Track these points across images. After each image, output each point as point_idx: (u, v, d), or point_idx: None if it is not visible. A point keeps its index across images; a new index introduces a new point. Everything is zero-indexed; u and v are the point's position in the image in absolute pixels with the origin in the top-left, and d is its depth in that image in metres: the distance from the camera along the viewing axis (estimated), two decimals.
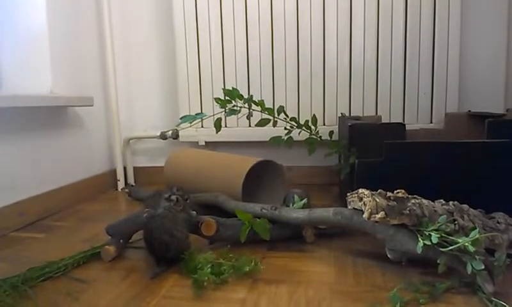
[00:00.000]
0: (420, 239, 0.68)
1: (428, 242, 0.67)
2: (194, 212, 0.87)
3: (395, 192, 0.76)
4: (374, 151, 0.95)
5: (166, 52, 1.61)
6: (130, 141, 1.65)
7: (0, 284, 0.70)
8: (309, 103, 1.47)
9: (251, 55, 1.47)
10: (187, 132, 1.51)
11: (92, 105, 1.41)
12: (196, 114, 1.03)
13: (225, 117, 1.06)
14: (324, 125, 1.46)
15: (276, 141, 1.13)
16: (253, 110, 1.09)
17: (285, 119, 1.12)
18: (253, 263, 0.75)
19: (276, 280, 0.73)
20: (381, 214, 0.71)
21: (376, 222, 0.73)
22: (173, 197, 0.84)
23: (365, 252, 0.84)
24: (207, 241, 0.89)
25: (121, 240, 0.88)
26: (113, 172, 1.61)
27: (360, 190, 0.77)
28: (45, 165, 1.25)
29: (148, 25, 1.61)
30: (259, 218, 0.88)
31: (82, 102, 1.37)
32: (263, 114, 1.09)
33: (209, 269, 0.72)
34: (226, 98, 1.05)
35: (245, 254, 0.79)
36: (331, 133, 1.19)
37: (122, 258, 0.86)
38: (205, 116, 1.08)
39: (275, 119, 1.11)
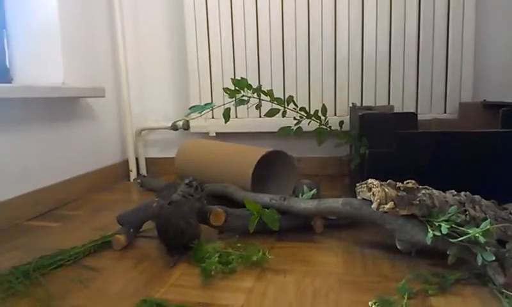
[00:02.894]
0: (429, 230, 0.67)
1: (438, 233, 0.66)
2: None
3: (405, 182, 0.75)
4: (385, 142, 0.94)
5: (176, 43, 1.61)
6: (142, 131, 1.66)
7: (12, 272, 0.72)
8: (320, 93, 1.45)
9: (261, 45, 1.46)
10: (198, 123, 1.51)
11: (104, 96, 1.42)
12: (205, 104, 1.03)
13: (235, 107, 1.06)
14: (335, 115, 1.45)
15: (285, 131, 1.12)
16: (263, 100, 1.08)
17: (295, 109, 1.11)
18: (261, 253, 0.75)
19: (284, 270, 0.73)
20: (390, 204, 0.70)
21: (385, 212, 0.72)
22: (194, 183, 0.84)
23: (374, 243, 0.83)
24: (216, 231, 0.89)
25: (131, 230, 0.89)
26: (125, 163, 1.63)
27: (369, 181, 0.76)
28: (58, 155, 1.26)
29: (159, 16, 1.61)
30: (268, 208, 0.88)
31: (94, 93, 1.38)
32: (273, 104, 1.09)
33: (217, 258, 0.73)
34: (235, 88, 1.05)
35: (253, 244, 0.79)
36: (341, 123, 1.18)
37: (132, 247, 0.87)
38: (214, 105, 1.08)
39: (285, 109, 1.10)
